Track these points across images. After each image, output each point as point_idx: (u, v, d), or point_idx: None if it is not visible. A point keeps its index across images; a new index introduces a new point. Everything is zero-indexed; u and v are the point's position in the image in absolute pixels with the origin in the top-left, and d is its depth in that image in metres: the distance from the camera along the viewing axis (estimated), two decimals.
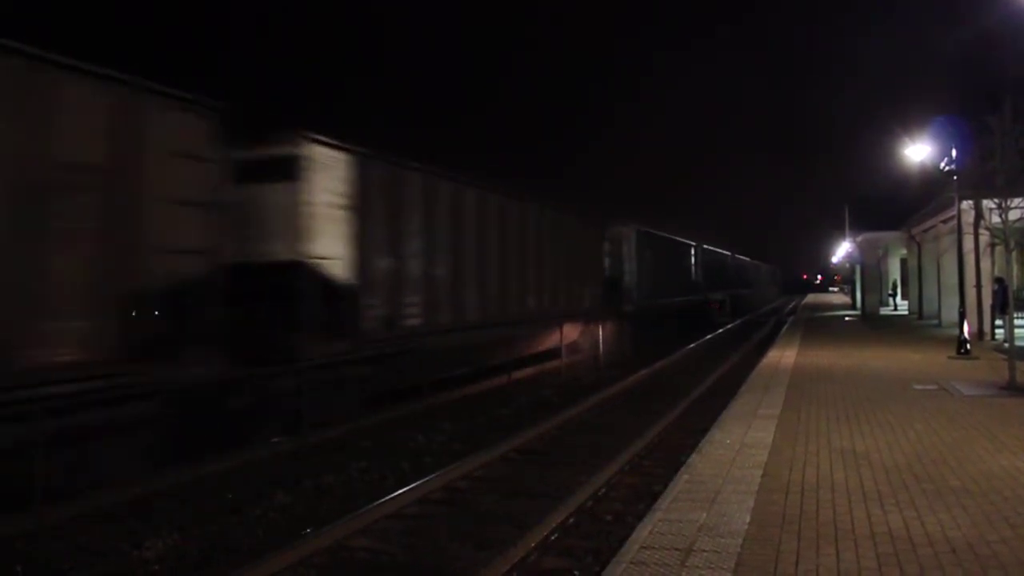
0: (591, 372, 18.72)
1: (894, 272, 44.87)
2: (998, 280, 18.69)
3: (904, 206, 30.71)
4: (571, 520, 7.08)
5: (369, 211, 11.57)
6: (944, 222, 23.47)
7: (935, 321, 26.93)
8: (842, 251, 56.67)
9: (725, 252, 47.70)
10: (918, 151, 18.90)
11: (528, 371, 17.77)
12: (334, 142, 10.94)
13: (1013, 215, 15.16)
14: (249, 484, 8.34)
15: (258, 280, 9.86)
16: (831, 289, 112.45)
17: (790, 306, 66.68)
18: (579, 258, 20.65)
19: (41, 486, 6.93)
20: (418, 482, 8.15)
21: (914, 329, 26.58)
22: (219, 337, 8.68)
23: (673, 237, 31.96)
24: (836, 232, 57.85)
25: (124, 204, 7.81)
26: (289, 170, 10.43)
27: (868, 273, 40.39)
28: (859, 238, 41.27)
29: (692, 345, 25.41)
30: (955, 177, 17.04)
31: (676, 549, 5.12)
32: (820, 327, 30.08)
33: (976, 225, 18.97)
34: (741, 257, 56.77)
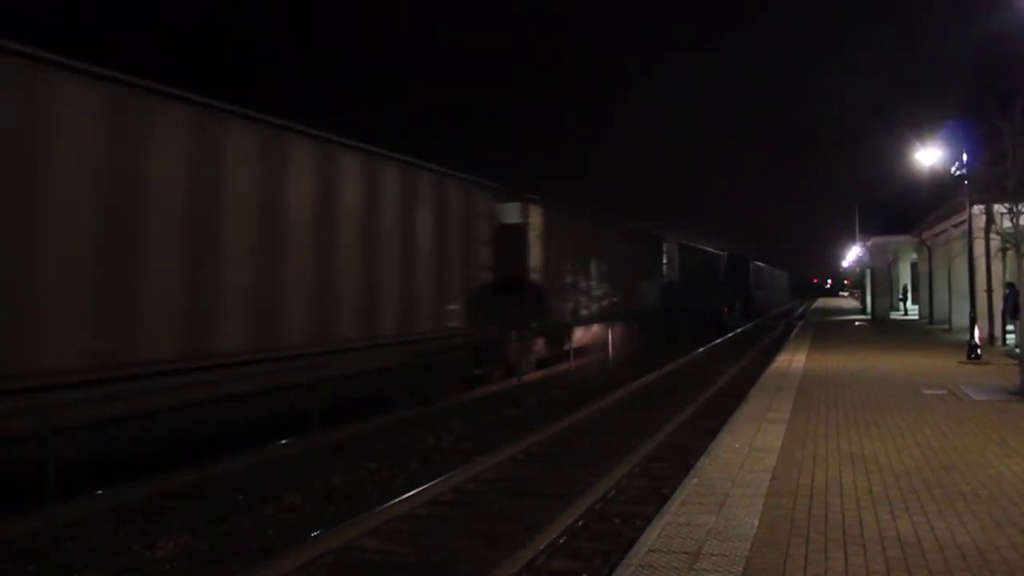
0: (601, 374, 18.71)
1: (904, 276, 44.73)
2: (1009, 285, 18.66)
3: (915, 210, 30.62)
4: (580, 522, 7.09)
5: None
6: (955, 226, 23.38)
7: (946, 326, 26.82)
8: (852, 255, 56.52)
9: (718, 252, 40.25)
10: (929, 155, 18.84)
11: (537, 373, 17.77)
12: None
13: None
14: (259, 484, 8.38)
15: None
16: (841, 293, 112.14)
17: (800, 310, 66.46)
18: (418, 244, 12.80)
19: (52, 485, 7.00)
20: (428, 484, 8.18)
21: (924, 334, 26.46)
22: None
23: (625, 226, 23.93)
24: (846, 236, 57.78)
25: None
26: None
27: (878, 277, 40.26)
28: (869, 242, 41.19)
29: (702, 349, 25.37)
30: (966, 181, 16.99)
31: (685, 552, 5.13)
32: (830, 331, 29.98)
33: (987, 229, 18.92)
34: (740, 258, 50.17)
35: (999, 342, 20.07)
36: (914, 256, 37.83)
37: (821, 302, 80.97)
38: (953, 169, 17.33)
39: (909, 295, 43.81)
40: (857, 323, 35.52)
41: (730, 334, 33.72)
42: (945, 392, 12.20)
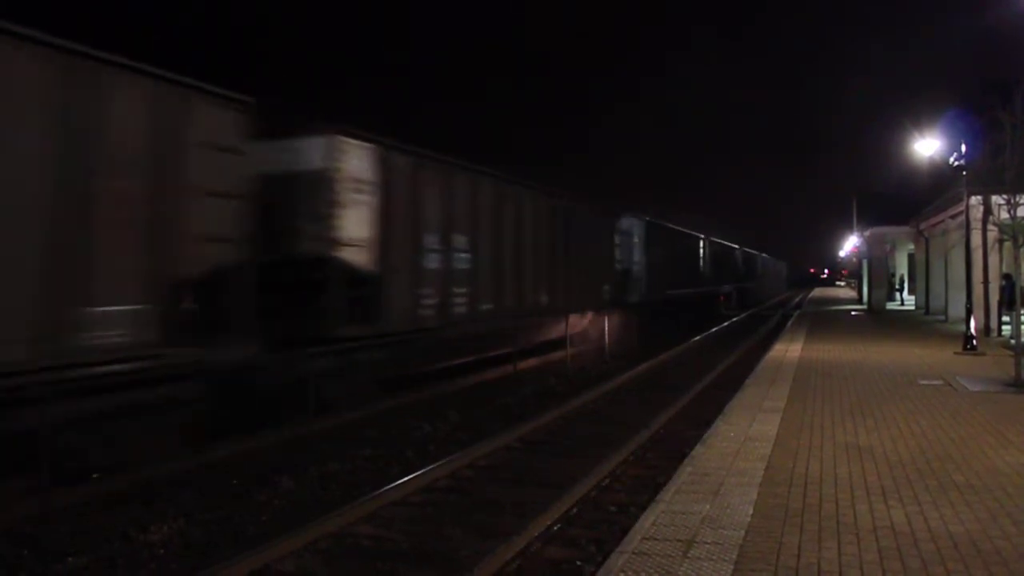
0: (598, 363, 18.71)
1: (902, 267, 44.74)
2: (1005, 276, 18.70)
3: (912, 201, 30.60)
4: (575, 510, 7.11)
5: None
6: (952, 217, 23.36)
7: (942, 316, 26.85)
8: (849, 245, 56.55)
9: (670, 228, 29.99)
10: (927, 146, 18.81)
11: (533, 361, 17.75)
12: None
13: (1022, 211, 15.07)
14: (254, 471, 8.38)
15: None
16: (838, 283, 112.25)
17: (796, 300, 66.50)
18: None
19: (47, 471, 6.98)
20: (423, 470, 8.18)
21: (920, 324, 26.50)
22: None
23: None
24: (844, 227, 57.77)
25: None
26: None
27: (875, 268, 40.25)
28: (866, 232, 41.12)
29: (698, 337, 25.39)
30: (964, 172, 16.96)
31: (679, 540, 5.13)
32: (826, 321, 30.00)
33: (984, 221, 18.90)
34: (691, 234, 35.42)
35: (995, 333, 20.10)
36: (911, 247, 37.81)
37: (818, 292, 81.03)
38: (952, 160, 17.28)
39: (905, 285, 43.83)
40: (853, 313, 35.55)
41: (726, 323, 33.70)
42: (941, 383, 12.22)
